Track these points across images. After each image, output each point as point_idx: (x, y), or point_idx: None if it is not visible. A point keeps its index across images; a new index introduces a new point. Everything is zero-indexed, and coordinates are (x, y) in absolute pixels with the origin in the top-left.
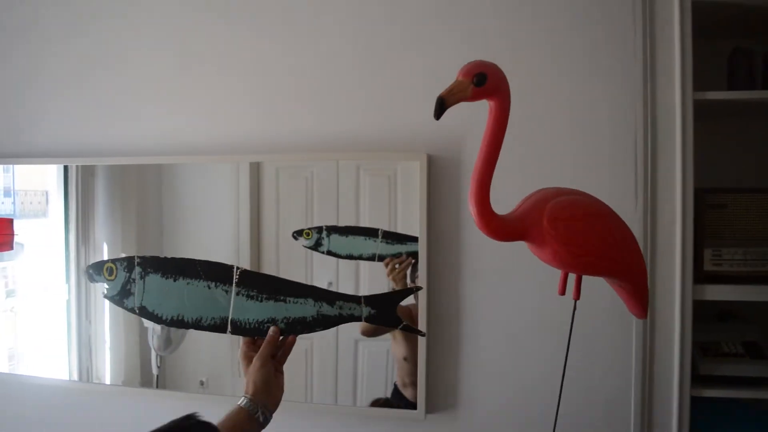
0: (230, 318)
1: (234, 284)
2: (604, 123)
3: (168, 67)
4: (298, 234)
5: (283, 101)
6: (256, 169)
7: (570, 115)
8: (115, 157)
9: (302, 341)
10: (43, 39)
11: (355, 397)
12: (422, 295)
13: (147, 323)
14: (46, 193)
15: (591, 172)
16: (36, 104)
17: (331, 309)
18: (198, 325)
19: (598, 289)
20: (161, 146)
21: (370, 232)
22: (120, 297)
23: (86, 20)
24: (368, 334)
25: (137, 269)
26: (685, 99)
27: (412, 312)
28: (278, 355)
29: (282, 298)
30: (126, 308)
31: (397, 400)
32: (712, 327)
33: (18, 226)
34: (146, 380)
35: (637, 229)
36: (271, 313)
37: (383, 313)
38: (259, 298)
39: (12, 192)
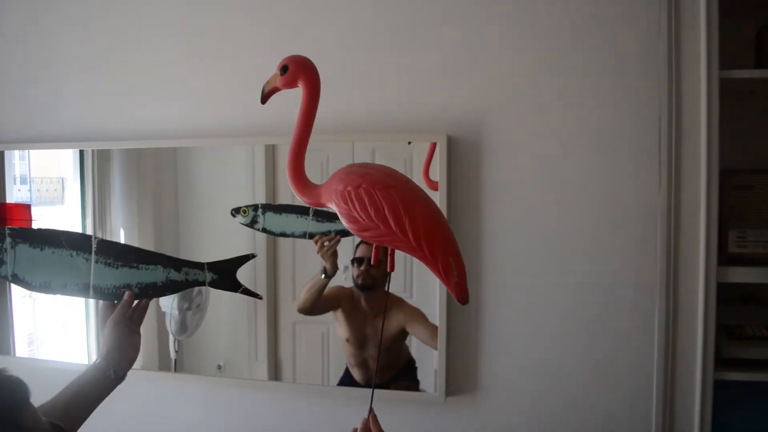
0: (91, 283)
1: (93, 252)
2: (628, 102)
3: (183, 51)
4: (235, 211)
5: None
6: (271, 152)
7: (593, 95)
8: (131, 141)
9: (320, 325)
10: (58, 23)
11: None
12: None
13: (164, 308)
14: (62, 180)
15: (614, 153)
16: (51, 89)
17: (178, 275)
18: (64, 290)
19: (619, 269)
20: (177, 130)
21: (301, 210)
22: None
23: (101, 4)
24: (304, 311)
25: (8, 240)
26: (711, 78)
27: (354, 293)
28: (134, 318)
29: (135, 265)
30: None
31: (347, 381)
32: (736, 309)
33: (34, 213)
34: (164, 364)
35: (660, 211)
36: (126, 279)
37: (224, 279)
38: (115, 265)
39: (28, 179)
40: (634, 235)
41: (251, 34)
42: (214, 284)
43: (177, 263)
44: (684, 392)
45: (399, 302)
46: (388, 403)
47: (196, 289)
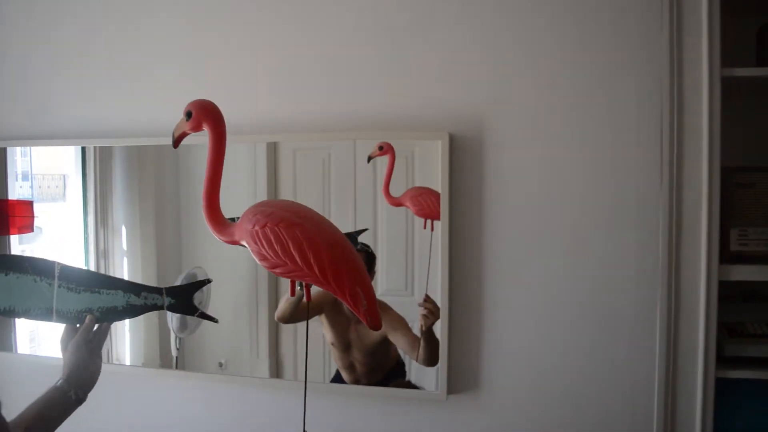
0: (54, 308)
1: (56, 278)
2: (630, 100)
3: (185, 48)
4: None
5: (300, 80)
6: (273, 150)
7: (595, 92)
8: (133, 138)
9: (321, 325)
10: (60, 20)
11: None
12: (444, 277)
13: None
14: (64, 176)
15: (616, 151)
16: (52, 86)
17: (137, 299)
18: (27, 314)
19: (621, 267)
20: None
21: None
22: None
23: (103, 0)
24: (283, 321)
25: None
26: (713, 76)
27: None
28: (96, 341)
29: (97, 290)
30: None
31: (338, 382)
32: (737, 307)
33: (36, 209)
34: (166, 362)
35: (662, 209)
36: (88, 304)
37: (181, 303)
38: (78, 290)
39: (30, 176)
40: (636, 233)
41: (253, 32)
42: (171, 308)
43: (137, 288)
44: (685, 390)
45: (383, 308)
46: (389, 401)
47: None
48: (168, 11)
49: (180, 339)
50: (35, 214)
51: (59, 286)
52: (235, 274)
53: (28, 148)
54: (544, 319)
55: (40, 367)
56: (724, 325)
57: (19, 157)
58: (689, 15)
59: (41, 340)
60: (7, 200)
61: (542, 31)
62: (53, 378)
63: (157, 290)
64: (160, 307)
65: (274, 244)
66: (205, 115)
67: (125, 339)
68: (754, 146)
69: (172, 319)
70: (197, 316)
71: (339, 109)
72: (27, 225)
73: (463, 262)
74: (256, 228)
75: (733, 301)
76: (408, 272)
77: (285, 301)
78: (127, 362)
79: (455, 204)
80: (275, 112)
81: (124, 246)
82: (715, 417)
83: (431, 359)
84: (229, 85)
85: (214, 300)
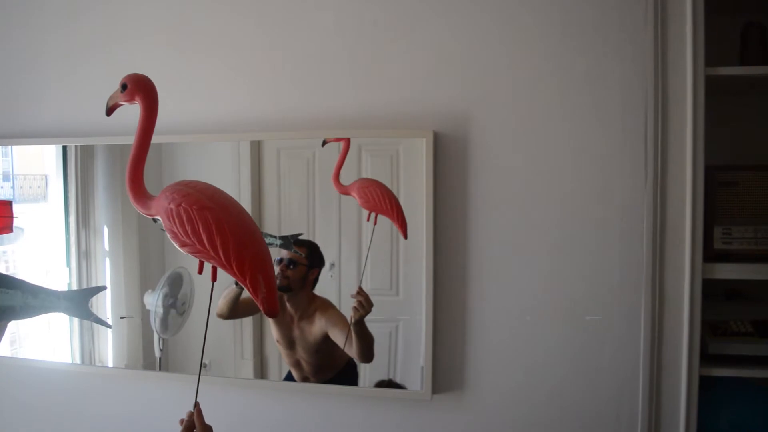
0: None
1: None
2: (615, 99)
3: (166, 46)
4: None
5: (284, 78)
6: (256, 149)
7: (580, 92)
8: (115, 137)
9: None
10: (41, 18)
11: (360, 378)
12: (429, 277)
13: (149, 306)
14: (46, 177)
15: (601, 150)
16: (34, 84)
17: (35, 301)
18: None
19: (605, 266)
20: (161, 125)
21: None
22: None
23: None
24: (223, 317)
25: None
26: (697, 75)
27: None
28: None
29: None
30: None
31: (290, 380)
32: (721, 306)
33: (18, 210)
34: (149, 363)
35: (647, 207)
36: None
37: (77, 307)
38: None
39: (11, 176)
40: (621, 232)
41: (236, 30)
42: (68, 311)
43: (36, 290)
44: (670, 388)
45: (324, 306)
46: (374, 401)
47: (184, 284)
48: (151, 10)
49: (163, 340)
50: (14, 215)
51: None
52: (219, 275)
53: (9, 147)
54: (529, 319)
55: (22, 369)
56: (708, 324)
57: (0, 158)
58: (673, 14)
59: (22, 341)
60: None
61: (527, 29)
62: (35, 380)
63: (54, 294)
64: (57, 310)
65: (185, 224)
66: (139, 88)
67: (108, 340)
68: (737, 145)
69: (156, 320)
70: (92, 321)
71: (323, 107)
72: (6, 226)
73: (448, 261)
74: (171, 206)
75: (716, 300)
76: (393, 272)
77: (223, 298)
78: (110, 364)
79: (440, 202)
80: (259, 110)
81: (106, 246)
82: (698, 414)
83: (364, 354)
84: (212, 84)
85: (198, 301)
